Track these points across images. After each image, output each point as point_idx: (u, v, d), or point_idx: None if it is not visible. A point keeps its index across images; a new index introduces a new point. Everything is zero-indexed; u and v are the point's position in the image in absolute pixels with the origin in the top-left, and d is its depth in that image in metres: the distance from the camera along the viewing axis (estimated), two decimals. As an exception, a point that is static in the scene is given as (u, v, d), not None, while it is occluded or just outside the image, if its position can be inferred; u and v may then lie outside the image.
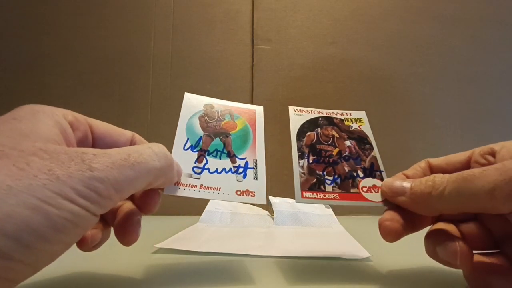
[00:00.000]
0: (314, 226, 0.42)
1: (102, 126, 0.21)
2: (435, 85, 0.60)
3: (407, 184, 0.21)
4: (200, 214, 0.43)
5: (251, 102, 0.58)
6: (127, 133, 0.22)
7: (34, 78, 0.57)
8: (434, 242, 0.20)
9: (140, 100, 0.57)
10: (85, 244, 0.19)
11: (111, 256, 0.25)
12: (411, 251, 0.28)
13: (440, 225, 0.21)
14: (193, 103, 0.28)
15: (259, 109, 0.30)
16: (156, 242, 0.30)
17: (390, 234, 0.20)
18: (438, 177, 0.19)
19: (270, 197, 0.47)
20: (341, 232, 0.38)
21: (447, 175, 0.19)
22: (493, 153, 0.20)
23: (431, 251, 0.20)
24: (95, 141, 0.20)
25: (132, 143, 0.22)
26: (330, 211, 0.47)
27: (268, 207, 0.51)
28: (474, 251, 0.20)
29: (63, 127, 0.17)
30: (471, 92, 0.61)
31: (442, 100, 0.60)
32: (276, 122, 0.56)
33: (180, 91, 0.57)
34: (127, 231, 0.20)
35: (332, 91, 0.59)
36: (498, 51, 0.62)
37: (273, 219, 0.44)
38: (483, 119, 0.60)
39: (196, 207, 0.45)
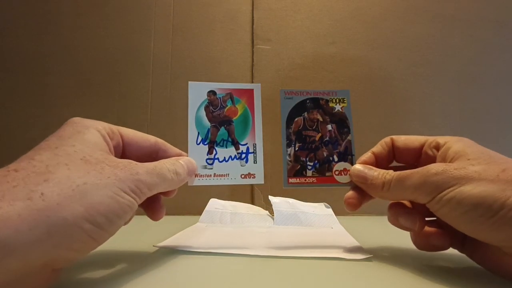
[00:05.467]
0: (314, 226, 0.42)
1: (130, 134, 0.25)
2: (435, 85, 0.60)
3: (370, 174, 0.27)
4: (200, 214, 0.43)
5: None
6: (151, 139, 0.27)
7: (34, 78, 0.57)
8: (396, 213, 0.26)
9: (140, 100, 0.57)
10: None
11: (111, 256, 0.25)
12: (411, 251, 0.28)
13: None
14: (198, 92, 0.30)
15: (257, 88, 0.31)
16: (156, 242, 0.30)
17: (351, 207, 0.28)
18: (389, 174, 0.25)
19: (270, 197, 0.47)
20: (341, 232, 0.38)
21: (394, 174, 0.25)
22: (438, 147, 0.25)
23: (394, 220, 0.26)
24: (125, 147, 0.25)
25: (156, 146, 0.27)
26: (330, 211, 0.47)
27: (268, 207, 0.51)
28: None
29: (106, 138, 0.23)
30: (471, 92, 0.61)
31: (442, 100, 0.60)
32: (276, 123, 0.55)
33: (180, 91, 0.58)
34: (156, 209, 0.27)
35: (332, 91, 0.59)
36: (498, 51, 0.62)
37: (273, 219, 0.44)
38: (483, 119, 0.60)
39: (196, 207, 0.45)
